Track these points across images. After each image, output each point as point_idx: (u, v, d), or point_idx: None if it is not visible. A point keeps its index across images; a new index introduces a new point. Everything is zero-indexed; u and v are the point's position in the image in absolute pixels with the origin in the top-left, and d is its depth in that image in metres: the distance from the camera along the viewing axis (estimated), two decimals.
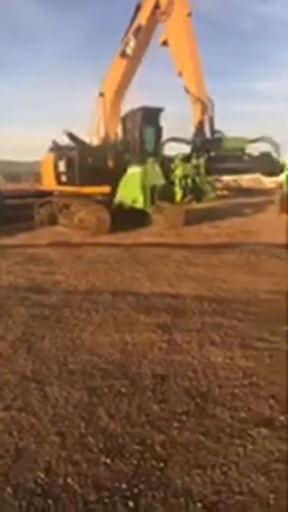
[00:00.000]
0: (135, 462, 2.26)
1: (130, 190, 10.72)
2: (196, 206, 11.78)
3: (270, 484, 2.08)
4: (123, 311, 4.66)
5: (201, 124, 10.56)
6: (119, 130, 12.58)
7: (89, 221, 11.11)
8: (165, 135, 11.59)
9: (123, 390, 3.02)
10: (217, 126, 10.70)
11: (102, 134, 12.75)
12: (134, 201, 10.63)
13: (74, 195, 11.76)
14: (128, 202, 10.87)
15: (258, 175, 15.35)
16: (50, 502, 2.01)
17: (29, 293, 5.39)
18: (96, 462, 2.27)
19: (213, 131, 10.63)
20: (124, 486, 2.09)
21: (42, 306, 4.88)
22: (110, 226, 10.78)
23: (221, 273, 6.36)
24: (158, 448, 2.37)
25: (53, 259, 7.52)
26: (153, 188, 10.35)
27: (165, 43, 11.36)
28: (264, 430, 2.51)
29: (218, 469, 2.20)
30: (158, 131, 11.67)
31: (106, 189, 11.24)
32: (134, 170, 10.73)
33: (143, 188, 10.34)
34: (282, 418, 2.64)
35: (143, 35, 11.80)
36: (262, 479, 2.12)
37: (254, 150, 10.75)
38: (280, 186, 15.08)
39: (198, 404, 2.81)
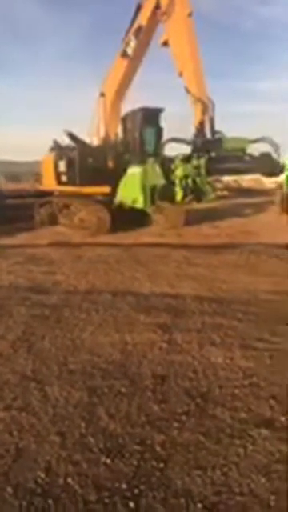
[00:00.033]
0: (135, 462, 2.26)
1: (131, 190, 10.72)
2: (196, 206, 11.77)
3: (270, 485, 2.08)
4: (123, 311, 4.66)
5: (201, 124, 10.55)
6: (119, 130, 12.58)
7: (89, 221, 11.12)
8: (165, 135, 11.61)
9: (123, 390, 3.02)
10: (217, 127, 10.70)
11: (102, 134, 12.75)
12: (134, 201, 10.63)
13: (74, 195, 11.76)
14: (128, 202, 10.87)
15: (258, 176, 15.36)
16: (50, 501, 2.01)
17: (29, 293, 5.39)
18: (96, 462, 2.27)
19: (213, 131, 10.63)
20: (124, 486, 2.09)
21: (43, 305, 4.88)
22: (110, 226, 10.79)
23: (221, 273, 6.36)
24: (158, 448, 2.37)
25: (53, 259, 7.52)
26: (153, 188, 10.35)
27: (165, 43, 11.35)
28: (264, 431, 2.50)
29: (219, 469, 2.19)
30: (159, 131, 11.68)
31: (106, 189, 11.25)
32: (134, 170, 10.73)
33: (143, 188, 10.34)
34: (283, 418, 2.64)
35: (144, 35, 11.79)
36: (263, 480, 2.11)
37: (255, 150, 10.76)
38: (280, 186, 15.10)
39: (198, 404, 2.81)
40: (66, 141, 12.17)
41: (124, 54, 12.21)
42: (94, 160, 11.65)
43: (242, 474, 2.16)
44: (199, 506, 1.96)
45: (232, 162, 10.59)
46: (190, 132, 10.78)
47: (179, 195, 10.34)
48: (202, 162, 10.19)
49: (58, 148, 12.37)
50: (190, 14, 10.64)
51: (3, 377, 3.24)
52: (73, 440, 2.47)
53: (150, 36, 11.99)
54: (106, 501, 2.00)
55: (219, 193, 16.68)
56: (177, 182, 10.31)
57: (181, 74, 10.78)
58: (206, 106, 10.42)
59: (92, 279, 6.06)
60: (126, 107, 12.76)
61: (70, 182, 11.67)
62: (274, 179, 15.74)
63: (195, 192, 10.47)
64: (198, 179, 10.31)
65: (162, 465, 2.24)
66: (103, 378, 3.20)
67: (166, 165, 10.60)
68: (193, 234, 10.68)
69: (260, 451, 2.33)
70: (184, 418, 2.66)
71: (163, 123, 11.76)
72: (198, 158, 10.27)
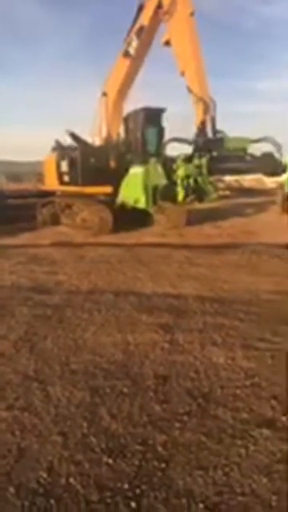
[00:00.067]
0: (137, 462, 2.27)
1: (132, 190, 10.73)
2: (198, 206, 11.78)
3: (272, 485, 2.08)
4: (125, 311, 4.67)
5: (203, 124, 10.55)
6: (121, 130, 12.58)
7: (91, 221, 11.13)
8: (167, 135, 11.60)
9: (125, 390, 3.02)
10: (219, 126, 10.71)
11: (104, 134, 12.75)
12: (136, 201, 10.63)
13: (76, 195, 11.77)
14: (130, 202, 10.88)
15: (259, 175, 15.35)
16: (52, 501, 2.01)
17: (31, 293, 5.41)
18: (98, 462, 2.27)
19: (215, 131, 10.63)
20: (126, 486, 2.09)
21: (45, 305, 4.89)
22: (113, 226, 10.80)
23: (222, 273, 6.36)
24: (160, 448, 2.38)
25: (55, 259, 7.53)
26: (155, 188, 10.35)
27: (167, 43, 11.35)
28: (266, 431, 2.51)
29: (220, 470, 2.20)
30: (160, 131, 11.67)
31: (109, 189, 11.25)
32: (136, 170, 10.74)
33: (145, 188, 10.34)
34: (284, 418, 2.64)
35: (146, 35, 11.79)
36: (264, 480, 2.12)
37: (256, 150, 10.75)
38: (281, 186, 15.08)
39: (199, 405, 2.81)
40: (67, 141, 12.19)
41: (126, 54, 12.22)
42: (96, 160, 11.65)
43: (243, 474, 2.17)
44: (201, 506, 1.96)
45: (233, 161, 10.59)
46: (191, 132, 10.80)
47: (181, 195, 10.35)
48: (204, 161, 10.19)
49: (60, 148, 12.38)
50: (191, 14, 10.65)
51: (5, 377, 3.25)
52: (75, 440, 2.47)
53: (151, 36, 11.99)
54: (108, 501, 2.01)
55: (221, 193, 16.67)
56: (178, 181, 10.31)
57: (183, 74, 10.78)
58: (207, 106, 10.42)
59: (94, 279, 6.07)
60: (128, 107, 12.78)
61: (72, 182, 11.68)
62: (275, 179, 15.72)
63: (197, 192, 10.48)
64: (199, 179, 10.32)
65: (163, 465, 2.24)
66: (105, 378, 3.21)
67: (168, 165, 10.60)
68: (194, 233, 10.68)
69: (261, 451, 2.34)
70: (186, 418, 2.66)
71: (165, 123, 11.77)
72: (200, 157, 10.28)
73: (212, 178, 10.85)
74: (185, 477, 2.16)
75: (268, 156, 10.52)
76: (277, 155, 10.43)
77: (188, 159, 10.44)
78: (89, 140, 12.55)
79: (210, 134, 10.62)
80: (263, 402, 2.84)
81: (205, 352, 3.61)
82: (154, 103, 12.03)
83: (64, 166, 11.86)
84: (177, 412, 2.73)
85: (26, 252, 8.22)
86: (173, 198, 10.52)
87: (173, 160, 10.74)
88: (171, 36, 11.14)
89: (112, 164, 11.60)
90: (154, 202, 10.50)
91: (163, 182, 10.39)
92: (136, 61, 12.35)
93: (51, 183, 12.50)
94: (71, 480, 2.15)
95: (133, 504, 1.98)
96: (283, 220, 12.14)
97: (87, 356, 3.58)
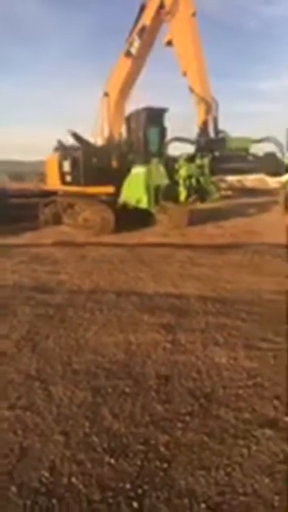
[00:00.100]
0: (139, 462, 2.27)
1: (134, 190, 10.72)
2: (200, 206, 11.75)
3: (274, 485, 2.08)
4: (127, 311, 4.66)
5: (205, 124, 10.53)
6: (123, 130, 12.57)
7: (93, 221, 11.14)
8: (169, 135, 11.58)
9: (127, 389, 3.02)
10: (221, 126, 10.68)
11: (106, 134, 12.75)
12: (138, 201, 10.63)
13: (78, 195, 11.78)
14: (132, 202, 10.87)
15: (262, 175, 15.30)
16: (54, 501, 2.01)
17: (33, 292, 5.41)
18: (100, 462, 2.27)
19: (217, 131, 10.60)
20: (128, 486, 2.09)
21: (47, 305, 4.90)
22: (114, 226, 10.81)
23: (225, 273, 6.35)
24: (162, 448, 2.37)
25: (57, 259, 7.54)
26: (157, 188, 10.34)
27: (169, 43, 11.33)
28: (268, 431, 2.50)
29: (222, 470, 2.20)
30: (162, 131, 11.66)
31: (111, 189, 11.26)
32: (138, 170, 10.73)
33: (147, 188, 10.33)
34: (287, 419, 2.63)
35: (148, 35, 11.78)
36: (267, 480, 2.11)
37: (259, 150, 10.72)
38: (284, 186, 15.03)
39: (201, 405, 2.81)
40: (70, 141, 12.21)
41: (128, 54, 12.20)
42: (98, 160, 11.66)
43: (245, 474, 2.16)
44: (203, 506, 1.96)
45: (236, 161, 10.55)
46: (193, 132, 10.77)
47: (183, 195, 10.33)
48: (206, 161, 10.16)
49: (62, 148, 12.40)
50: (193, 14, 10.62)
51: (8, 376, 3.25)
52: (77, 439, 2.47)
53: (153, 36, 11.97)
54: (110, 500, 2.00)
55: (223, 192, 16.65)
56: (181, 181, 10.29)
57: (185, 74, 10.75)
58: (209, 106, 10.39)
59: (96, 279, 6.07)
60: (130, 107, 12.76)
61: (74, 182, 11.69)
62: (277, 179, 15.67)
63: (199, 192, 10.45)
64: (201, 179, 10.29)
65: (165, 465, 2.24)
66: (107, 377, 3.21)
67: (170, 164, 10.58)
68: (197, 233, 10.67)
69: (264, 451, 2.33)
70: (188, 418, 2.66)
71: (167, 123, 11.76)
72: (202, 157, 10.25)
73: (214, 178, 10.81)
74: (187, 477, 2.15)
75: (270, 156, 10.49)
76: (279, 155, 10.40)
77: (190, 159, 10.41)
78: (91, 140, 12.56)
79: (212, 134, 10.60)
80: (266, 402, 2.83)
81: (207, 352, 3.60)
82: (155, 103, 12.02)
83: (66, 166, 11.88)
84: (179, 412, 2.73)
85: (28, 251, 8.23)
86: (175, 198, 10.50)
87: (175, 160, 10.72)
88: (173, 36, 11.12)
89: (114, 164, 11.60)
90: (156, 202, 10.49)
91: (165, 181, 10.38)
92: (138, 61, 12.33)
93: (53, 183, 12.51)
94: (73, 479, 2.15)
95: (135, 504, 1.98)
96: (286, 220, 12.08)
97: (89, 356, 3.58)
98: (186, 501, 1.99)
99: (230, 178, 20.65)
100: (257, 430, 2.52)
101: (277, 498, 2.01)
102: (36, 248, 8.69)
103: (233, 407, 2.77)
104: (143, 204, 10.52)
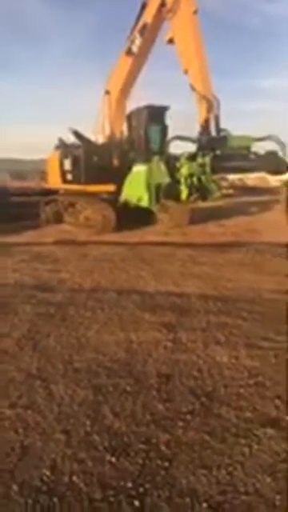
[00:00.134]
0: (140, 460, 2.26)
1: (135, 188, 10.71)
2: (201, 204, 11.75)
3: (275, 485, 2.08)
4: (128, 310, 4.66)
5: (206, 122, 10.51)
6: (125, 128, 12.56)
7: (94, 219, 11.14)
8: (170, 133, 11.57)
9: (128, 388, 3.02)
10: (222, 124, 10.66)
11: (107, 132, 12.74)
12: (139, 199, 10.62)
13: (79, 193, 11.78)
14: (133, 200, 10.87)
15: (263, 174, 15.28)
16: (55, 500, 2.01)
17: (34, 291, 5.41)
18: (101, 461, 2.27)
19: (218, 129, 10.58)
20: (129, 484, 2.09)
21: (48, 304, 4.90)
22: (116, 225, 10.81)
23: (226, 272, 6.34)
24: (163, 447, 2.37)
25: (58, 257, 7.54)
26: (158, 186, 10.33)
27: (171, 41, 11.31)
28: (270, 431, 2.50)
29: (224, 469, 2.19)
30: (164, 129, 11.65)
31: (112, 187, 11.25)
32: (139, 169, 10.72)
33: (148, 186, 10.32)
34: None
35: (149, 33, 11.75)
36: (268, 480, 2.11)
37: (260, 148, 10.71)
38: (285, 184, 15.01)
39: (203, 403, 2.81)
40: (71, 139, 12.19)
41: (129, 52, 12.18)
42: (99, 158, 11.65)
43: (247, 473, 2.16)
44: (204, 505, 1.96)
45: (237, 160, 10.54)
46: (195, 130, 10.76)
47: (184, 193, 10.32)
48: (207, 160, 10.15)
49: (63, 146, 12.39)
50: (195, 12, 10.59)
51: (9, 374, 3.25)
52: (78, 438, 2.47)
53: (155, 33, 11.95)
54: (111, 499, 2.00)
55: (224, 191, 16.63)
56: (182, 180, 10.28)
57: (186, 72, 10.74)
58: (211, 104, 10.37)
59: (97, 277, 6.07)
60: (131, 105, 12.74)
61: (75, 181, 11.68)
62: (279, 177, 15.65)
63: (200, 190, 10.44)
64: (203, 177, 10.27)
65: (166, 464, 2.24)
66: (108, 376, 3.21)
67: (171, 163, 10.58)
68: (198, 232, 10.67)
69: (265, 451, 2.33)
70: (189, 417, 2.66)
71: (168, 121, 11.74)
72: (203, 156, 10.24)
73: (215, 177, 10.81)
74: (188, 476, 2.15)
75: (272, 154, 10.48)
76: (281, 153, 10.39)
77: (191, 157, 10.40)
78: (92, 138, 12.55)
79: (213, 133, 10.59)
80: (267, 401, 2.83)
81: (208, 351, 3.60)
82: (157, 101, 11.97)
83: (67, 164, 11.87)
84: (180, 411, 2.72)
85: (29, 250, 8.23)
86: (176, 197, 10.50)
87: (176, 158, 10.71)
88: (174, 34, 11.10)
89: (115, 162, 11.59)
90: (157, 201, 10.48)
91: (166, 180, 10.37)
92: (139, 59, 12.31)
93: (54, 181, 12.50)
94: (74, 478, 2.15)
95: (136, 503, 1.98)
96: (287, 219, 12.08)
97: (90, 354, 3.58)
98: (187, 500, 1.99)
99: (232, 177, 20.64)
100: (258, 429, 2.51)
101: (278, 497, 2.00)
102: (37, 246, 8.69)
103: (234, 406, 2.77)
104: (144, 202, 10.51)
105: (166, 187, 10.34)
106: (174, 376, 3.18)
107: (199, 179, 10.28)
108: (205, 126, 10.53)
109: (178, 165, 10.47)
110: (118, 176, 11.10)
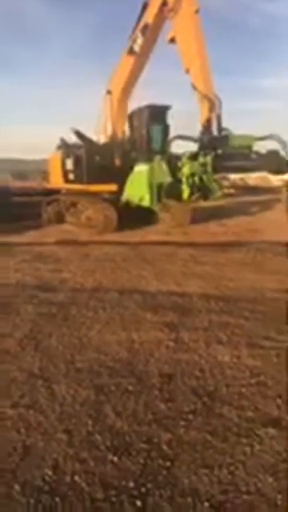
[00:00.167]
0: (142, 460, 2.27)
1: (137, 188, 10.72)
2: (203, 204, 11.74)
3: (277, 484, 2.08)
4: (130, 309, 4.66)
5: (208, 122, 10.51)
6: (126, 127, 12.56)
7: (96, 219, 11.14)
8: (172, 133, 11.57)
9: (130, 388, 3.02)
10: (224, 124, 10.65)
11: (109, 131, 12.74)
12: (141, 199, 10.62)
13: (81, 193, 11.78)
14: (135, 200, 10.87)
15: (265, 173, 15.26)
16: (57, 499, 2.02)
17: (36, 291, 5.42)
18: (103, 460, 2.28)
19: (220, 129, 10.58)
20: (131, 484, 2.09)
21: (50, 303, 4.90)
22: (117, 224, 10.80)
23: (227, 271, 6.34)
24: (165, 447, 2.37)
25: (60, 257, 7.54)
26: (159, 186, 10.33)
27: (172, 40, 11.30)
28: (271, 430, 2.50)
29: (225, 468, 2.19)
30: (165, 129, 11.65)
31: (113, 187, 11.26)
32: (140, 168, 10.72)
33: (150, 186, 10.33)
34: None
35: (150, 32, 11.74)
36: (270, 479, 2.11)
37: (262, 147, 10.70)
38: (287, 184, 14.98)
39: (204, 403, 2.81)
40: (73, 139, 12.19)
41: (131, 52, 12.18)
42: (100, 158, 11.65)
43: (248, 473, 2.16)
44: (206, 504, 1.96)
45: (239, 159, 10.53)
46: (196, 129, 10.75)
47: (186, 193, 10.31)
48: (209, 159, 10.14)
49: (65, 146, 12.39)
50: (197, 11, 10.58)
51: (11, 374, 3.26)
52: (80, 438, 2.48)
53: (156, 33, 11.94)
54: (113, 499, 2.01)
55: (226, 191, 16.61)
56: (183, 179, 10.27)
57: (188, 71, 10.73)
58: (212, 103, 10.36)
59: (99, 277, 6.07)
60: (133, 105, 12.75)
61: (77, 180, 11.69)
62: (280, 177, 15.63)
63: (202, 190, 10.43)
64: (204, 177, 10.27)
65: (168, 463, 2.24)
66: (110, 376, 3.21)
67: (173, 162, 10.57)
68: (199, 232, 10.66)
69: (267, 450, 2.33)
70: (191, 416, 2.66)
71: (170, 120, 11.74)
72: (205, 155, 10.23)
73: (217, 176, 10.80)
74: (190, 475, 2.15)
75: (273, 154, 10.47)
76: (282, 153, 10.37)
77: (193, 157, 10.40)
78: (94, 138, 12.55)
79: (215, 132, 10.58)
80: (269, 400, 2.83)
81: (210, 350, 3.60)
82: (158, 101, 11.97)
83: (69, 164, 11.87)
84: (182, 410, 2.73)
85: (31, 250, 8.24)
86: (177, 196, 10.49)
87: (178, 158, 10.71)
88: (176, 33, 11.09)
89: (117, 162, 11.59)
90: (159, 200, 10.49)
91: (168, 179, 10.37)
92: (141, 58, 12.30)
93: (56, 181, 12.51)
94: (76, 478, 2.15)
95: (138, 502, 1.98)
96: None
97: (92, 354, 3.59)
98: (189, 499, 1.99)
99: (233, 176, 20.63)
100: (260, 429, 2.51)
101: (280, 496, 2.00)
102: (39, 246, 8.70)
103: (236, 406, 2.77)
104: (146, 202, 10.51)
105: (167, 187, 10.34)
106: (176, 375, 3.19)
107: (201, 179, 10.27)
108: (206, 126, 10.53)
109: (179, 164, 10.47)
110: (120, 176, 11.10)
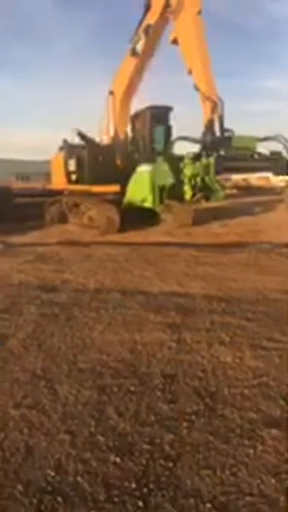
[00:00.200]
0: (144, 461, 2.27)
1: (140, 188, 10.72)
2: (205, 204, 11.76)
3: (280, 485, 2.07)
4: (132, 310, 4.67)
5: (210, 123, 10.53)
6: (129, 128, 12.59)
7: (98, 220, 11.16)
8: (174, 134, 11.60)
9: (132, 388, 3.02)
10: (226, 125, 10.67)
11: (111, 132, 12.77)
12: (144, 200, 10.63)
13: (83, 194, 11.81)
14: (137, 201, 10.88)
15: (267, 174, 15.28)
16: (59, 499, 2.02)
17: (39, 291, 5.43)
18: (105, 461, 2.28)
19: (222, 130, 10.59)
20: (133, 485, 2.09)
21: (52, 304, 4.91)
22: (120, 225, 10.82)
23: (230, 272, 6.34)
24: (168, 448, 2.37)
25: (62, 258, 7.56)
26: (162, 187, 10.34)
27: (175, 41, 11.33)
28: (274, 431, 2.49)
29: (228, 469, 2.19)
30: (168, 130, 11.68)
31: (116, 188, 11.27)
32: (143, 169, 10.73)
33: (152, 187, 10.33)
34: None
35: (153, 33, 11.78)
36: (273, 480, 2.10)
37: (265, 148, 10.71)
38: None
39: (207, 404, 2.80)
40: (75, 140, 12.22)
41: (133, 53, 12.21)
42: (103, 159, 11.68)
43: (251, 474, 2.16)
44: (208, 505, 1.96)
45: (241, 160, 10.55)
46: (199, 130, 10.78)
47: (188, 194, 10.33)
48: (211, 160, 10.15)
49: (67, 147, 12.41)
50: (199, 12, 10.62)
51: (13, 375, 3.26)
52: (82, 438, 2.48)
53: (159, 34, 11.97)
54: (115, 499, 2.01)
55: (228, 191, 16.63)
56: (186, 180, 10.29)
57: (190, 72, 10.75)
58: (215, 104, 10.38)
59: (101, 278, 6.08)
60: (136, 106, 12.78)
61: (79, 181, 11.73)
62: (283, 178, 15.63)
63: (204, 191, 10.46)
64: (207, 178, 10.29)
65: (171, 464, 2.24)
66: (112, 376, 3.21)
67: (175, 163, 10.59)
68: (202, 232, 10.67)
69: (270, 451, 2.32)
70: (193, 417, 2.65)
71: (172, 122, 11.78)
72: (207, 156, 10.24)
73: (219, 177, 10.81)
74: (192, 476, 2.15)
75: (276, 155, 10.48)
76: (285, 154, 10.38)
77: (196, 158, 10.41)
78: (96, 139, 12.58)
79: (217, 133, 10.59)
80: (271, 401, 2.82)
81: (212, 351, 3.60)
82: (161, 102, 12.00)
83: (72, 165, 11.91)
84: (184, 411, 2.72)
85: (33, 250, 8.26)
86: (180, 197, 10.52)
87: (180, 159, 10.72)
88: (178, 34, 11.11)
89: (119, 163, 11.63)
90: (161, 201, 10.50)
91: (170, 180, 10.38)
92: (143, 59, 12.34)
93: (59, 182, 12.54)
94: (79, 478, 2.15)
95: (140, 503, 1.98)
96: None
97: (94, 355, 3.59)
98: (191, 500, 1.99)
99: (236, 177, 20.65)
100: (262, 430, 2.51)
101: (282, 498, 2.00)
102: (41, 247, 8.72)
103: (238, 407, 2.77)
104: (148, 203, 10.52)
105: (170, 188, 10.36)
106: (179, 376, 3.18)
107: (203, 179, 10.29)
108: (209, 127, 10.55)
109: (182, 165, 10.49)
110: (123, 177, 11.12)
